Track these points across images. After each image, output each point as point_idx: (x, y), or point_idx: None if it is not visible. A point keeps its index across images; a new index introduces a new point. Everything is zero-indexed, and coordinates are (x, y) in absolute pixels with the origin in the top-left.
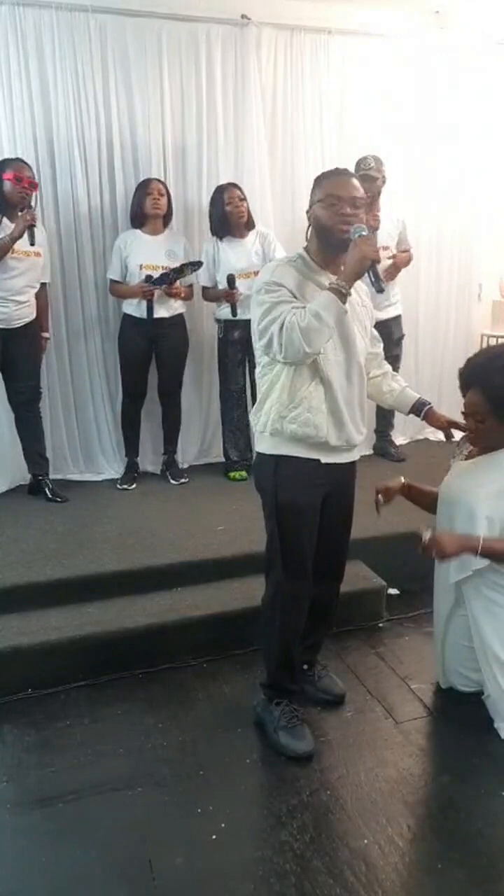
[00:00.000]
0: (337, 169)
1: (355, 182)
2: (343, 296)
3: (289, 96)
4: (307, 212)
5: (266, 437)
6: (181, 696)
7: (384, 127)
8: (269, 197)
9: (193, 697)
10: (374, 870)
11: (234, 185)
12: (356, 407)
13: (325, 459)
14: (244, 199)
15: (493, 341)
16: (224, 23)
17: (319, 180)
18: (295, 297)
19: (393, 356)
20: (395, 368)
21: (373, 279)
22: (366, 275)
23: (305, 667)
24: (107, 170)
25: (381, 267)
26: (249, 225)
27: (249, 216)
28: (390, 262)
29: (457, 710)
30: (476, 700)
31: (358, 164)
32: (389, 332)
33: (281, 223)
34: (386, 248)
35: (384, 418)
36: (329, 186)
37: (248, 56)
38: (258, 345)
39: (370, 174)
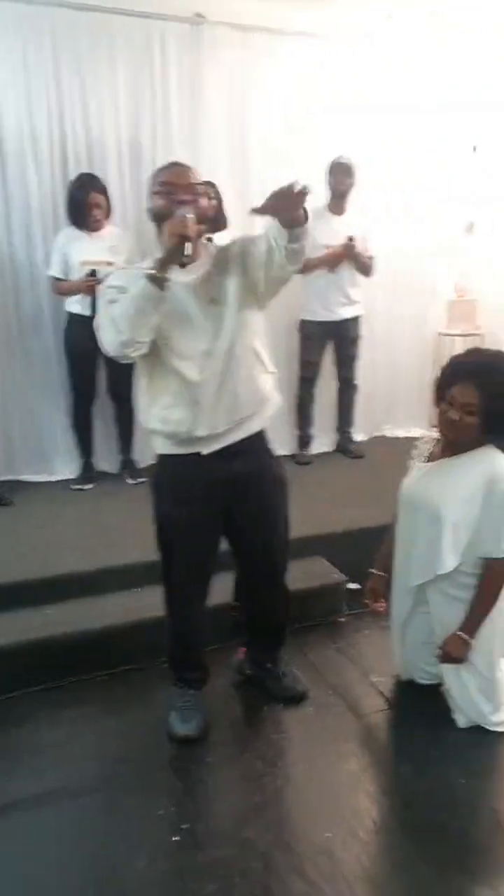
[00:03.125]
0: (173, 161)
1: (191, 172)
2: (158, 280)
3: (244, 95)
4: (148, 208)
5: (149, 433)
6: (142, 698)
7: (340, 128)
8: (224, 195)
9: (155, 699)
10: (338, 863)
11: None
12: (223, 394)
13: (206, 450)
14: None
15: (448, 340)
16: (178, 20)
17: (155, 175)
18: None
19: (348, 356)
20: (351, 369)
21: (178, 254)
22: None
23: (269, 665)
24: (59, 165)
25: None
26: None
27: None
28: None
29: (416, 701)
30: (435, 691)
31: (334, 160)
32: (347, 332)
33: (237, 221)
34: (352, 239)
35: (344, 415)
36: (163, 176)
37: (203, 54)
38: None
39: (345, 164)
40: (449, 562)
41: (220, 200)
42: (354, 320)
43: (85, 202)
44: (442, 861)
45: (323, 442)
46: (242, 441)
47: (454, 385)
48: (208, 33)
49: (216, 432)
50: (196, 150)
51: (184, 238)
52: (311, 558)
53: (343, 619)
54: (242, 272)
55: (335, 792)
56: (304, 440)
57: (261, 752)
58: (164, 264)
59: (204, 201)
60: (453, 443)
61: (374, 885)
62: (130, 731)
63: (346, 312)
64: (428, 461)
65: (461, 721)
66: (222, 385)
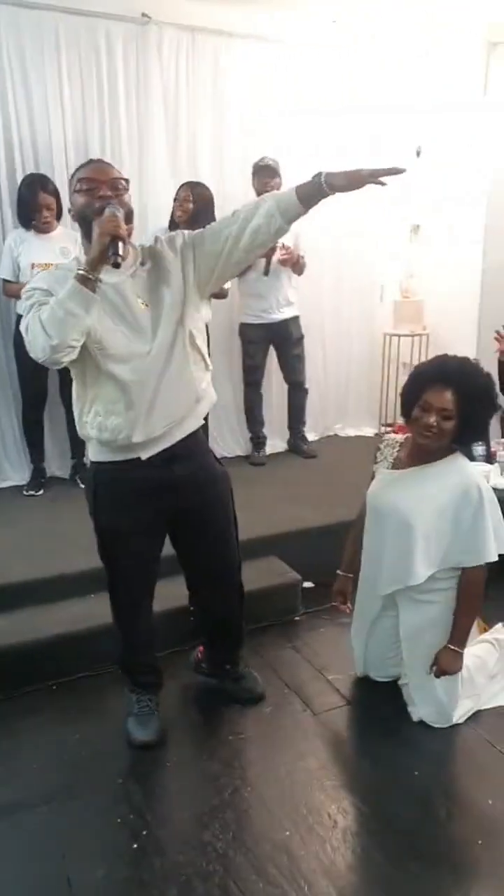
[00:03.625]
0: (92, 159)
1: (112, 169)
2: (89, 281)
3: (191, 96)
4: (69, 211)
5: (85, 440)
6: (98, 705)
7: (285, 130)
8: (171, 195)
9: (111, 705)
10: (296, 860)
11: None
12: (159, 396)
13: (145, 455)
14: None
15: (395, 340)
16: (124, 20)
17: (75, 172)
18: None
19: (294, 356)
20: (298, 371)
21: (110, 252)
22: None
23: (228, 666)
24: (5, 165)
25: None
26: None
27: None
28: (283, 257)
29: (372, 697)
30: (390, 686)
31: (257, 162)
32: (287, 333)
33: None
34: (283, 248)
35: (296, 416)
36: (84, 172)
37: (150, 55)
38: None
39: (269, 164)
40: (421, 574)
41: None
42: (293, 321)
43: (34, 203)
44: (398, 851)
45: (276, 443)
46: (180, 443)
47: (426, 391)
48: (155, 34)
49: (154, 436)
50: (144, 152)
51: (116, 237)
52: (266, 558)
53: (298, 619)
54: (184, 266)
55: (293, 790)
56: (256, 442)
57: (219, 754)
58: (95, 264)
59: (127, 197)
60: (426, 449)
61: (332, 880)
62: (87, 739)
63: (283, 314)
64: (394, 467)
65: (416, 714)
66: (158, 387)
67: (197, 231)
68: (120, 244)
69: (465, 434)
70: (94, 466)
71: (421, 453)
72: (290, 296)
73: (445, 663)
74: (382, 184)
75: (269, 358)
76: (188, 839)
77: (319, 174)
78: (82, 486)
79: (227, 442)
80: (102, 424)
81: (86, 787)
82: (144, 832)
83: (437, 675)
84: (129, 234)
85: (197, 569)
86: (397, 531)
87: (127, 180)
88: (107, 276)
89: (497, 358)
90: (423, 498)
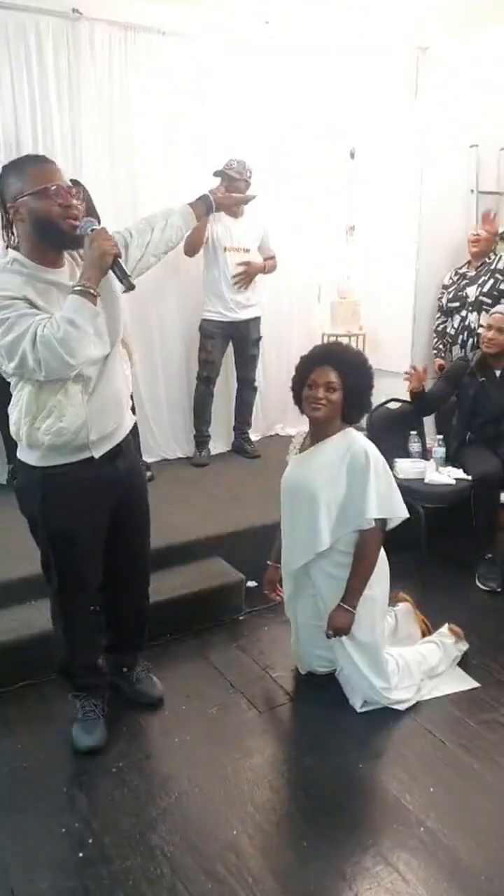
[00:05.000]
0: (33, 156)
1: (59, 168)
2: (93, 297)
3: (126, 93)
4: (8, 207)
5: (25, 447)
6: (41, 714)
7: (220, 128)
8: (108, 193)
9: (54, 713)
10: (244, 858)
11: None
12: (109, 393)
13: (98, 452)
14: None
15: (332, 340)
16: (54, 15)
17: (18, 169)
18: (36, 306)
19: (250, 356)
20: (252, 370)
21: (119, 275)
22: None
23: (125, 669)
24: None
25: (234, 270)
26: None
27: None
28: (244, 266)
29: (315, 692)
30: (332, 680)
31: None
32: (248, 333)
33: (122, 219)
34: (247, 251)
35: (243, 416)
36: (38, 176)
37: (82, 51)
38: (7, 367)
39: (229, 174)
40: (325, 539)
41: (89, 200)
42: (254, 321)
43: None
44: (344, 844)
45: (219, 443)
46: (123, 439)
47: (311, 372)
48: (86, 29)
49: (106, 432)
50: (77, 149)
51: (117, 256)
52: (210, 559)
53: (243, 618)
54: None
55: (240, 788)
56: (200, 441)
57: (166, 757)
58: (98, 280)
59: (76, 202)
60: (319, 422)
61: (277, 875)
62: (29, 749)
63: (246, 313)
64: (300, 452)
65: (358, 704)
66: (108, 385)
67: (122, 233)
68: (121, 261)
69: (354, 404)
70: (38, 472)
71: (318, 432)
72: (251, 296)
73: (336, 619)
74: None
75: (225, 359)
76: (135, 845)
77: (208, 196)
78: None
79: (169, 443)
80: (61, 430)
81: (29, 798)
82: (90, 840)
83: (330, 636)
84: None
85: (119, 563)
86: (304, 505)
87: (74, 183)
88: (58, 279)
89: (409, 390)
90: (322, 469)
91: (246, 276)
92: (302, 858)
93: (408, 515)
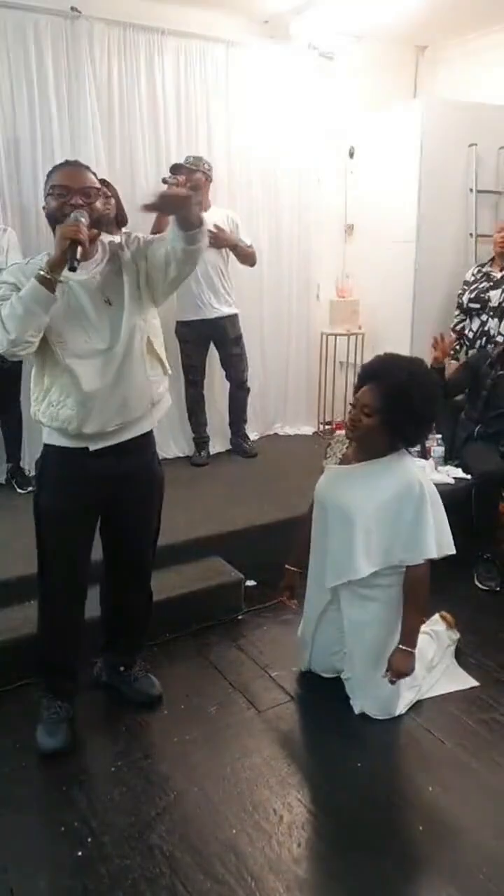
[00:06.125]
0: (67, 161)
1: (87, 173)
2: (48, 281)
3: (125, 92)
4: (43, 207)
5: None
6: (39, 713)
7: (220, 127)
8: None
9: None
10: (243, 857)
11: None
12: (115, 395)
13: (93, 446)
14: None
15: (331, 339)
16: (53, 14)
17: (50, 173)
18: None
19: (233, 355)
20: (238, 369)
21: (69, 257)
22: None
23: (122, 668)
24: None
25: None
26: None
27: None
28: (215, 230)
29: (315, 692)
30: (333, 681)
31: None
32: (224, 331)
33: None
34: (218, 229)
35: (238, 416)
36: (58, 177)
37: (80, 50)
38: None
39: (186, 166)
40: (363, 569)
41: (117, 198)
42: (230, 318)
43: None
44: (342, 842)
45: (218, 442)
46: (130, 440)
47: (361, 388)
48: (85, 28)
49: (105, 430)
50: (76, 147)
51: (75, 242)
52: (210, 558)
53: (242, 617)
54: (138, 272)
55: (239, 788)
56: (199, 442)
57: (165, 756)
58: (53, 267)
59: (99, 203)
60: (358, 443)
61: (278, 875)
62: (27, 748)
63: (218, 311)
64: (341, 463)
65: (357, 707)
66: (115, 386)
67: (146, 240)
68: (79, 248)
69: (397, 430)
70: (45, 448)
71: (363, 450)
72: (223, 294)
73: (398, 664)
74: None
75: (211, 358)
76: (134, 844)
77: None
78: (19, 490)
79: (169, 444)
80: (55, 414)
81: (27, 799)
82: (89, 839)
83: (392, 680)
84: (95, 239)
85: (116, 561)
86: (339, 525)
87: (98, 188)
88: (73, 273)
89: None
90: (365, 493)
91: (215, 238)
92: (301, 858)
93: (454, 552)
